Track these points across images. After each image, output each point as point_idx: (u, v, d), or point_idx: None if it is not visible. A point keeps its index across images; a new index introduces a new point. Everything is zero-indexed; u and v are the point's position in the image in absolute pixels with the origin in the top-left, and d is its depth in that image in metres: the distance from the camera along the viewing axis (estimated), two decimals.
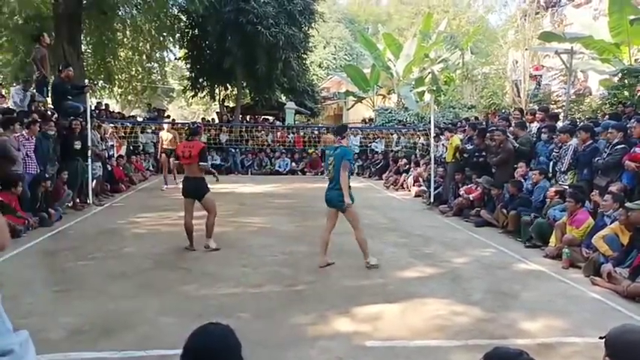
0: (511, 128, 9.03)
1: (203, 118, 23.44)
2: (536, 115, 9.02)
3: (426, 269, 5.47)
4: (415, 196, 11.45)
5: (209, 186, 6.02)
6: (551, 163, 7.52)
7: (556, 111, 11.04)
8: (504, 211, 7.53)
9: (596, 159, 6.53)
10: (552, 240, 6.20)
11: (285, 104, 20.85)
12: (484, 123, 10.99)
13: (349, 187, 5.29)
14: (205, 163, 5.92)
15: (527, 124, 8.98)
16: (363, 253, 5.46)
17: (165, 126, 13.80)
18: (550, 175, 7.47)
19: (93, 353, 3.21)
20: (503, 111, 13.89)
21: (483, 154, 8.90)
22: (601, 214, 5.77)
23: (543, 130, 8.13)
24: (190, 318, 3.86)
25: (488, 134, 8.82)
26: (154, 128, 15.87)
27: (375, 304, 4.29)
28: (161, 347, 3.33)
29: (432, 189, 10.13)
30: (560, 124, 8.91)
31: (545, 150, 7.89)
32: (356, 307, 4.18)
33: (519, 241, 6.91)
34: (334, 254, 5.92)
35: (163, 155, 11.73)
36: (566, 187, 6.85)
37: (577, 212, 5.93)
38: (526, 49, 15.75)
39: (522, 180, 7.77)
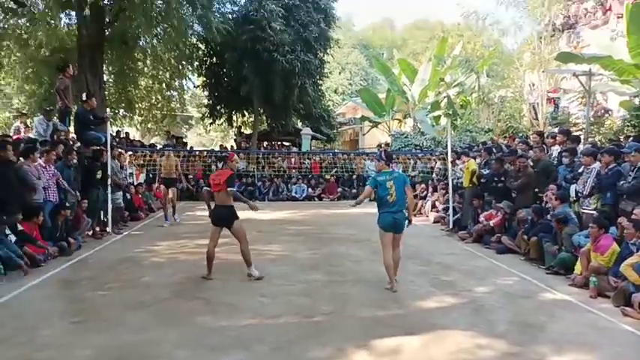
0: (531, 152, 8.89)
1: (221, 145, 23.73)
2: (557, 138, 8.87)
3: (446, 299, 5.32)
4: (433, 222, 11.28)
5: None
6: (572, 188, 7.31)
7: (576, 133, 10.86)
8: (525, 237, 7.35)
9: (621, 182, 6.36)
10: (577, 267, 6.00)
11: (301, 130, 21.01)
12: (502, 147, 10.86)
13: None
14: (233, 189, 5.92)
15: (548, 147, 8.83)
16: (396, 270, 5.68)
17: (167, 152, 12.62)
18: (574, 199, 7.28)
19: None
20: (521, 134, 13.75)
21: (502, 178, 8.77)
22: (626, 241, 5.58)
23: (564, 153, 7.98)
24: (206, 351, 3.82)
25: (509, 158, 8.68)
26: (173, 155, 16.07)
27: (394, 336, 4.17)
28: None
29: (450, 215, 9.97)
30: (580, 146, 8.75)
31: (567, 174, 7.72)
32: (375, 340, 4.06)
33: (542, 268, 6.71)
34: (351, 283, 5.84)
35: (162, 186, 10.79)
36: (590, 211, 6.68)
37: (600, 238, 5.75)
38: (543, 72, 15.66)
39: (545, 204, 7.58)
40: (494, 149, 10.45)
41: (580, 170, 7.21)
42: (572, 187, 7.26)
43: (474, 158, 10.12)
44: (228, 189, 5.83)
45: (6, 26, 15.03)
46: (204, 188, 6.39)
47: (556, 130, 10.93)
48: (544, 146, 8.84)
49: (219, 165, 16.72)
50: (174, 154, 12.57)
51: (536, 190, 8.06)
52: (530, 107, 16.50)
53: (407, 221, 5.68)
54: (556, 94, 16.51)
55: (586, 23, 17.78)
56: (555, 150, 8.74)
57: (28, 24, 14.60)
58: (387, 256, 5.58)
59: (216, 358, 3.66)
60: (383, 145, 19.68)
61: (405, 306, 5.06)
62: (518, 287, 5.84)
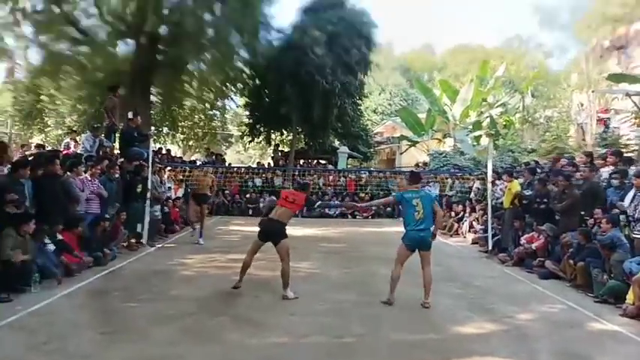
0: (578, 174, 8.45)
1: (259, 162, 24.02)
2: (608, 160, 8.39)
3: (485, 325, 5.02)
4: (471, 243, 10.87)
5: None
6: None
7: (628, 155, 10.26)
8: (572, 262, 6.90)
9: None
10: (630, 296, 5.55)
11: (338, 148, 20.98)
12: (546, 168, 10.40)
13: None
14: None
15: (598, 169, 8.37)
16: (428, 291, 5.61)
17: (205, 169, 12.58)
18: (624, 223, 6.81)
19: None
20: (567, 155, 13.17)
21: (545, 200, 8.35)
22: None
23: (614, 175, 7.51)
24: None
25: (559, 179, 8.27)
26: (211, 172, 16.37)
27: None
28: None
29: (489, 236, 9.57)
30: (632, 168, 8.23)
31: (617, 196, 7.25)
32: None
33: (590, 296, 6.25)
34: (384, 304, 5.60)
35: (192, 202, 10.45)
36: None
37: None
38: (592, 92, 15.04)
39: (592, 228, 7.13)
40: (537, 169, 10.02)
41: (630, 193, 6.75)
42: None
43: (516, 178, 9.73)
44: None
45: (69, 53, 15.95)
46: (272, 198, 6.54)
47: (605, 151, 10.40)
48: (593, 167, 8.38)
49: (257, 181, 16.92)
50: (212, 171, 12.67)
51: (582, 212, 7.61)
52: (579, 127, 15.84)
53: (432, 236, 5.64)
54: (607, 114, 15.80)
55: (638, 44, 17.05)
56: (605, 172, 8.27)
57: (88, 51, 15.47)
58: (397, 270, 5.63)
59: None
60: (420, 164, 19.38)
61: (440, 331, 4.80)
62: (564, 315, 5.45)
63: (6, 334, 4.33)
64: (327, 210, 16.30)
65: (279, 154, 22.17)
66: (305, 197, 6.17)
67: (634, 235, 6.41)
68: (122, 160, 9.98)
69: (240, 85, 20.32)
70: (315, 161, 22.98)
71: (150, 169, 9.50)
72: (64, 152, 10.25)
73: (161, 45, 15.36)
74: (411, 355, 4.06)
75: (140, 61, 14.69)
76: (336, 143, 22.41)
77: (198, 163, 17.71)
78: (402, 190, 5.86)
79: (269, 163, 21.91)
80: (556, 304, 5.93)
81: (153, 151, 10.50)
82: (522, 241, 8.36)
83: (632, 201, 6.59)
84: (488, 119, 19.24)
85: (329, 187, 17.18)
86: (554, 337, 4.68)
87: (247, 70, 19.94)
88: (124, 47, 16.18)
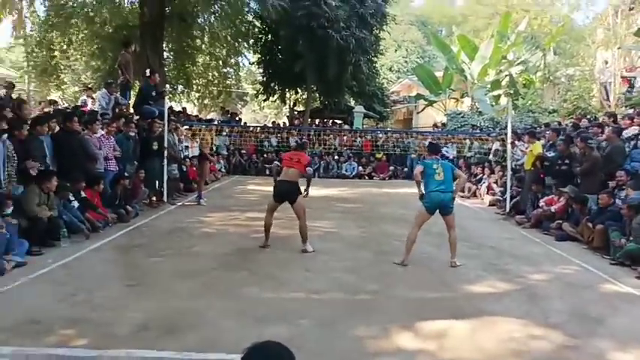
0: (602, 136, 8.27)
1: (274, 122, 23.95)
2: (635, 120, 8.18)
3: (498, 284, 5.09)
4: (489, 205, 10.85)
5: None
6: None
7: None
8: (590, 224, 6.87)
9: None
10: None
11: (353, 108, 20.73)
12: (570, 128, 10.17)
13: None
14: (311, 170, 6.43)
15: (622, 129, 8.17)
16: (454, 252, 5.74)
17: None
18: None
19: (154, 352, 3.25)
20: (589, 116, 12.85)
21: (567, 161, 8.22)
22: None
23: None
24: (251, 322, 3.86)
25: (577, 141, 8.12)
26: (227, 131, 16.41)
27: (441, 319, 4.03)
28: (220, 351, 3.31)
29: (508, 198, 9.53)
30: None
31: None
32: (421, 322, 3.95)
33: (607, 258, 6.26)
34: (399, 265, 5.69)
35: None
36: None
37: None
38: (619, 48, 14.46)
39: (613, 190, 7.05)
40: (562, 131, 9.82)
41: None
42: None
43: (539, 140, 9.55)
44: (307, 169, 6.23)
45: (75, 5, 15.75)
46: (275, 163, 6.73)
47: (631, 111, 10.11)
48: (616, 128, 8.19)
49: (272, 141, 16.92)
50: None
51: (603, 175, 7.50)
52: (602, 87, 15.34)
53: (452, 206, 5.68)
54: (632, 72, 15.23)
55: None
56: (630, 132, 8.08)
57: (94, 2, 15.22)
58: (414, 232, 5.69)
59: (261, 329, 3.68)
60: (438, 125, 19.11)
61: (454, 289, 4.89)
62: (579, 277, 5.49)
63: (37, 286, 4.55)
64: (343, 171, 16.32)
65: (295, 113, 22.03)
66: (308, 158, 6.49)
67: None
68: (138, 117, 10.04)
69: (251, 41, 20.03)
70: (331, 121, 22.81)
71: (166, 127, 9.53)
72: (83, 109, 10.33)
73: None
74: (423, 313, 4.15)
75: (148, 14, 14.44)
76: (352, 102, 22.12)
77: (215, 122, 17.68)
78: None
79: (284, 123, 21.81)
80: (571, 266, 5.96)
81: (168, 109, 10.50)
82: (541, 203, 8.30)
83: None
84: (507, 78, 18.69)
85: (345, 148, 17.11)
86: (566, 297, 4.73)
87: (258, 24, 19.59)
88: None
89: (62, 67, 20.53)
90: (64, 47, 18.33)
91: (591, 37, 17.56)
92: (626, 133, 8.16)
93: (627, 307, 4.54)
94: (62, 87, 22.70)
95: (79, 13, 15.80)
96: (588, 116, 12.86)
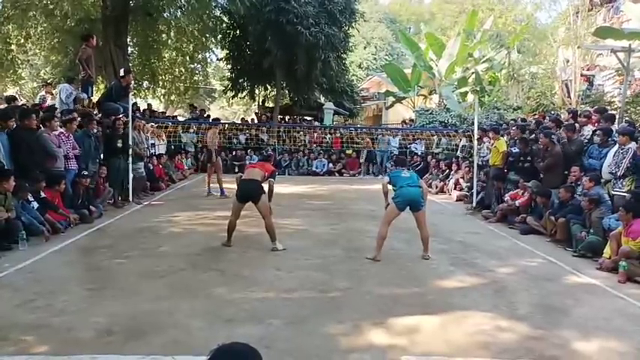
0: (560, 131, 8.53)
1: (243, 119, 23.69)
2: (591, 117, 8.46)
3: (467, 278, 5.17)
4: (456, 200, 11.05)
5: None
6: (604, 168, 6.95)
7: (611, 112, 10.36)
8: (552, 218, 7.08)
9: None
10: (607, 251, 5.75)
11: (323, 105, 20.73)
12: (533, 125, 10.44)
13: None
14: (273, 180, 6.38)
15: (581, 126, 8.44)
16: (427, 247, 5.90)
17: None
18: (604, 180, 6.95)
19: (120, 357, 3.14)
20: (552, 112, 13.23)
21: (529, 158, 8.46)
22: None
23: (597, 132, 7.60)
24: (220, 323, 3.78)
25: (540, 137, 8.33)
26: (195, 128, 16.12)
27: (412, 315, 4.05)
28: (189, 353, 3.23)
29: (474, 193, 9.72)
30: (615, 126, 8.32)
31: (599, 154, 7.36)
32: (392, 318, 3.96)
33: (569, 250, 6.48)
34: (369, 259, 5.71)
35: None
36: (623, 193, 6.37)
37: (633, 222, 5.46)
38: (578, 47, 14.93)
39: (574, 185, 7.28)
40: (526, 127, 10.07)
41: (612, 150, 6.86)
42: (604, 168, 6.93)
43: (503, 136, 9.78)
44: (270, 179, 6.25)
45: None
46: (239, 174, 6.88)
47: (589, 108, 10.46)
48: (576, 125, 8.45)
49: (241, 138, 16.73)
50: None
51: (566, 172, 7.73)
52: (563, 85, 15.82)
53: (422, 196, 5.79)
54: (591, 71, 15.78)
55: None
56: (587, 130, 8.35)
57: None
58: (384, 229, 5.73)
59: (231, 330, 3.61)
60: (407, 121, 19.33)
61: (423, 284, 4.93)
62: (543, 269, 5.64)
63: None
64: (314, 168, 16.31)
65: (264, 110, 21.84)
66: (270, 166, 6.50)
67: (615, 192, 6.57)
68: (101, 115, 9.72)
69: (219, 36, 19.73)
70: (301, 118, 22.73)
71: (130, 124, 9.27)
72: (42, 107, 9.91)
73: None
74: (393, 309, 4.16)
75: (111, 7, 13.99)
76: (322, 99, 22.11)
77: (181, 119, 17.35)
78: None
79: (253, 119, 21.59)
80: (535, 259, 6.12)
81: (133, 106, 10.24)
82: (506, 197, 8.51)
83: (614, 158, 6.70)
84: (473, 75, 19.07)
85: (315, 145, 17.09)
86: (532, 289, 4.84)
87: (226, 19, 19.29)
88: None
89: (20, 61, 19.66)
90: (22, 41, 17.55)
91: (553, 36, 18.05)
92: (586, 131, 8.41)
93: (589, 297, 4.69)
94: (20, 82, 21.76)
95: (38, 6, 15.14)
96: (552, 112, 13.25)
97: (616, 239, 5.60)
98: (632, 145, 6.47)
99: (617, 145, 6.77)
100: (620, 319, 4.11)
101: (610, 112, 10.16)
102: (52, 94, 11.48)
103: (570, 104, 14.27)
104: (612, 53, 11.58)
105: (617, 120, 9.13)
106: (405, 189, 5.64)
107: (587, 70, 15.86)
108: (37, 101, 11.94)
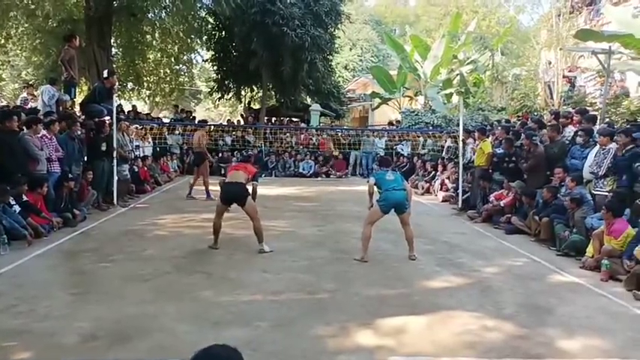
0: (544, 131, 8.65)
1: (229, 120, 23.60)
2: (573, 119, 8.59)
3: (453, 279, 5.21)
4: (442, 201, 11.13)
5: None
6: (585, 169, 7.07)
7: (592, 113, 10.54)
8: (537, 218, 7.18)
9: (636, 165, 6.14)
10: (589, 250, 5.85)
11: (310, 106, 20.74)
12: (518, 126, 10.56)
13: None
14: (257, 183, 6.39)
15: (562, 127, 8.57)
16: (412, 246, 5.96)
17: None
18: (586, 180, 7.07)
19: None
20: (535, 113, 13.42)
21: (513, 159, 8.57)
22: None
23: (580, 133, 7.72)
24: (207, 326, 3.75)
25: (523, 138, 8.45)
26: (181, 130, 15.98)
27: (399, 315, 4.07)
28: (175, 357, 3.19)
29: (460, 194, 9.81)
30: (596, 127, 8.47)
31: (581, 154, 7.48)
32: (379, 319, 3.97)
33: (553, 249, 6.57)
34: (356, 261, 5.72)
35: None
36: (605, 193, 6.49)
37: (614, 222, 5.56)
38: (560, 49, 15.18)
39: (558, 186, 7.39)
40: (511, 128, 10.19)
41: (593, 151, 6.99)
42: (585, 168, 7.04)
43: (488, 137, 9.88)
44: (253, 182, 6.24)
45: None
46: (221, 179, 6.75)
47: (571, 109, 10.62)
48: (559, 126, 8.57)
49: (227, 140, 16.63)
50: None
51: (548, 173, 7.85)
52: (546, 86, 16.06)
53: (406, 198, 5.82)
54: (573, 72, 16.04)
55: (608, 0, 17.14)
56: (569, 130, 8.48)
57: None
58: (367, 230, 5.77)
59: (217, 333, 3.59)
60: (393, 122, 19.43)
61: (410, 285, 4.96)
62: (528, 269, 5.71)
63: None
64: (300, 169, 16.29)
65: (250, 111, 21.77)
66: (252, 167, 6.42)
67: (597, 192, 6.68)
68: (84, 117, 9.58)
69: (205, 38, 19.62)
70: (287, 119, 22.71)
71: (114, 126, 9.16)
72: (24, 108, 9.74)
73: None
74: (381, 310, 4.18)
75: (94, 8, 13.81)
76: (308, 101, 22.12)
77: (166, 120, 17.20)
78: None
79: (239, 121, 21.50)
80: (520, 258, 6.20)
81: (118, 107, 10.12)
82: (491, 198, 8.60)
83: (595, 158, 6.82)
84: (458, 77, 19.25)
85: (301, 146, 17.07)
86: (517, 289, 4.90)
87: (212, 20, 19.19)
88: None
89: (0, 62, 19.33)
90: (2, 42, 17.24)
91: (536, 39, 18.34)
92: (568, 132, 8.54)
93: (573, 296, 4.76)
94: (0, 84, 21.39)
95: (19, 6, 14.88)
96: (535, 113, 13.45)
97: (598, 238, 5.70)
98: (613, 145, 6.59)
99: (597, 146, 6.89)
100: (603, 317, 4.19)
101: (591, 113, 10.37)
102: (34, 96, 11.30)
103: (553, 105, 14.49)
104: (593, 55, 11.82)
105: (598, 121, 9.31)
106: (390, 192, 5.68)
107: (569, 71, 16.12)
108: (18, 103, 11.73)
